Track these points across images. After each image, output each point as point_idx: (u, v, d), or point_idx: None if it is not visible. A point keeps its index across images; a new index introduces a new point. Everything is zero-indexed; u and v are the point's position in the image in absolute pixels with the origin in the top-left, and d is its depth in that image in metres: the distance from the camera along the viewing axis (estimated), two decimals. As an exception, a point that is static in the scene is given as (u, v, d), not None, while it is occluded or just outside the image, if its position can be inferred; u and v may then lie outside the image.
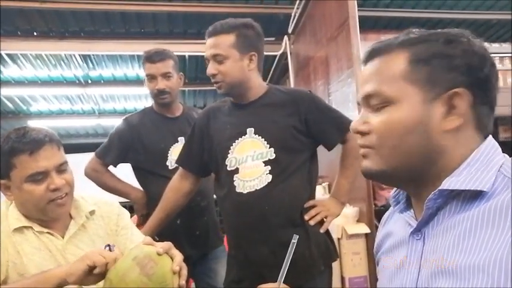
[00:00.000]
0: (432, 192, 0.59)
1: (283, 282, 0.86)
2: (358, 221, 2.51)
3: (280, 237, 1.32)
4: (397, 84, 0.61)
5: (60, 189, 1.05)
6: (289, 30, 4.14)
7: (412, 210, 0.68)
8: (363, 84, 0.65)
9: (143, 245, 0.92)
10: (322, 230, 1.44)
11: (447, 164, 0.60)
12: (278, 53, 4.32)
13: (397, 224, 0.72)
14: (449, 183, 0.58)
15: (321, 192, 3.41)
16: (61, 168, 1.08)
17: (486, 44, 0.63)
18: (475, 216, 0.56)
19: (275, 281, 0.87)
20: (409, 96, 0.60)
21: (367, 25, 3.54)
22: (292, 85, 4.28)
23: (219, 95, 1.48)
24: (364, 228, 2.42)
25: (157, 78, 1.84)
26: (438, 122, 0.60)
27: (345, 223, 2.49)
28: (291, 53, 4.25)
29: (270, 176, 1.37)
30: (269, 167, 1.37)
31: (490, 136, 0.63)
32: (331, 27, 3.15)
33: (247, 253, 1.40)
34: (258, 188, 1.36)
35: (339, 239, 2.55)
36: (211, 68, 1.41)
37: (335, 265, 2.65)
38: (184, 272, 0.91)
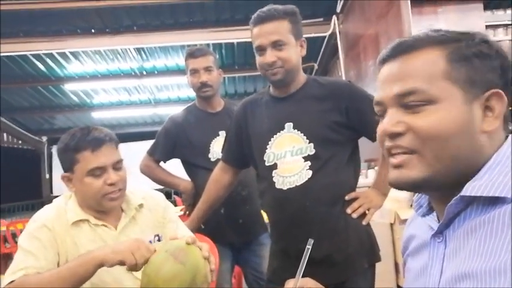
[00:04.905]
0: (454, 198, 0.57)
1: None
2: (412, 205, 2.43)
3: (321, 232, 1.30)
4: (438, 83, 0.58)
5: (115, 184, 1.15)
6: (338, 10, 4.02)
7: (434, 213, 0.66)
8: (392, 81, 0.61)
9: (170, 240, 1.01)
10: (364, 222, 1.41)
11: (479, 166, 0.58)
12: (327, 34, 4.22)
13: (419, 227, 0.71)
14: (471, 188, 0.56)
15: (372, 176, 3.33)
16: (117, 166, 1.17)
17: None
18: (496, 219, 0.54)
19: (313, 276, 0.87)
20: (451, 96, 0.58)
21: (421, -2, 3.31)
22: (342, 66, 4.17)
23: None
24: (417, 213, 2.34)
25: (199, 72, 1.94)
26: (479, 123, 0.58)
27: (397, 208, 2.43)
28: (340, 33, 4.13)
29: (310, 172, 1.34)
30: (309, 163, 1.34)
31: (510, 136, 0.60)
32: (381, 4, 3.01)
33: (288, 247, 1.41)
34: (298, 184, 1.34)
35: (391, 224, 2.50)
36: (271, 55, 1.34)
37: (388, 251, 2.64)
38: (213, 259, 1.00)
